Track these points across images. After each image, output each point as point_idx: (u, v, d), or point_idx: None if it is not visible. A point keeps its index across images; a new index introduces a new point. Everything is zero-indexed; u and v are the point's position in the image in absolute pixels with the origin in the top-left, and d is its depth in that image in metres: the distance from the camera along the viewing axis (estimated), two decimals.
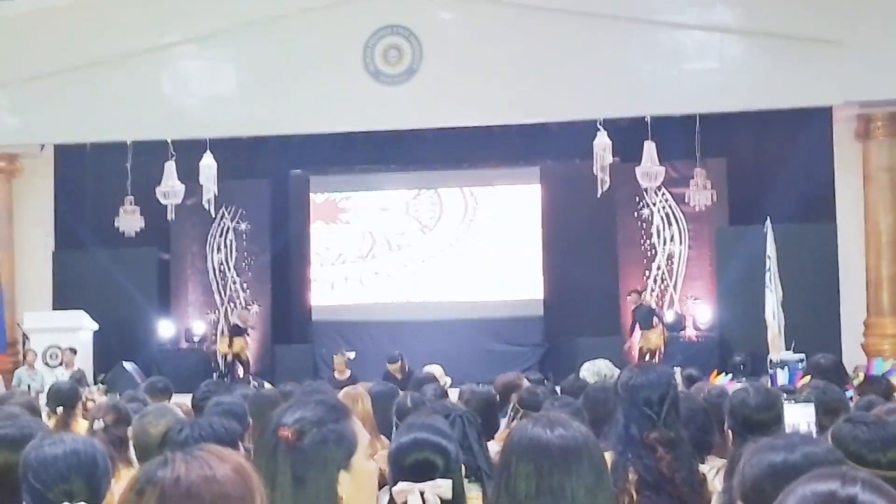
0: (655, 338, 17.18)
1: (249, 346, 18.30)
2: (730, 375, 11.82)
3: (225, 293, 19.45)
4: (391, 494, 3.04)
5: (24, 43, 17.65)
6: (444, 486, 3.00)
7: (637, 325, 17.40)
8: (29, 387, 14.55)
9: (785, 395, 4.35)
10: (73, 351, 15.83)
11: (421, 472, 3.03)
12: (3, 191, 18.74)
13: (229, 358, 18.01)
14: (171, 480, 1.92)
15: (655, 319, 17.36)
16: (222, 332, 18.84)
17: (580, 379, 7.29)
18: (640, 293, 17.70)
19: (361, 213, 20.01)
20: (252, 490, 1.99)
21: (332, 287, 19.97)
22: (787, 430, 3.97)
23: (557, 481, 2.68)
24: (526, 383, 7.09)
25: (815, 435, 3.92)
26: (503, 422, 6.17)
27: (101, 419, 5.60)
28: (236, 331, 18.17)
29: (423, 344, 17.18)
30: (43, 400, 8.00)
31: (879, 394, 6.20)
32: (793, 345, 13.82)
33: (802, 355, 11.81)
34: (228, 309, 19.38)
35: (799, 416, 4.03)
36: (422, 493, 2.98)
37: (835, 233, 16.93)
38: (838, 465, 2.55)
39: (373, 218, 19.96)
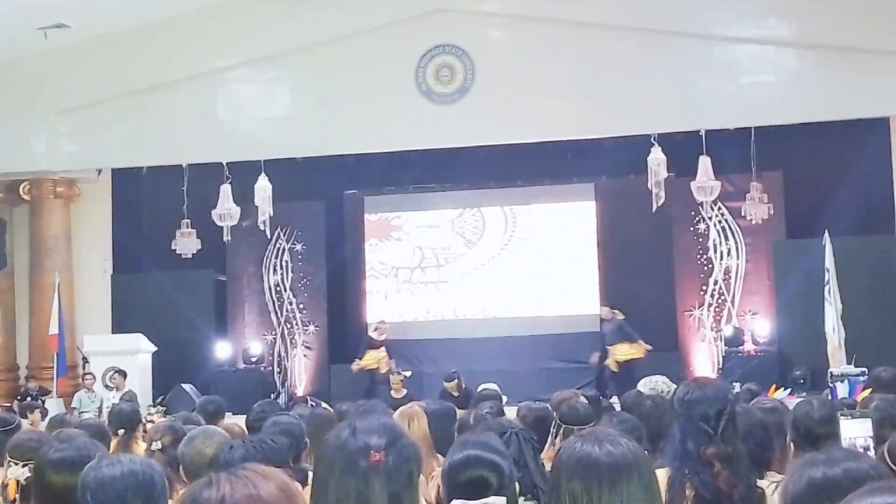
0: (625, 350, 16.96)
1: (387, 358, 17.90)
2: (788, 390, 11.73)
3: (281, 314, 19.54)
4: None
5: (81, 70, 17.92)
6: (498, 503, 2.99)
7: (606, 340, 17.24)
8: (100, 408, 14.74)
9: (842, 411, 4.29)
10: (123, 374, 15.90)
11: (475, 490, 3.03)
12: (62, 216, 18.95)
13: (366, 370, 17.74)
14: (217, 500, 1.93)
15: (626, 335, 17.10)
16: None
17: (641, 394, 7.24)
18: (612, 308, 17.51)
19: (415, 230, 20.02)
20: None
21: (385, 298, 19.94)
22: (844, 444, 3.91)
23: (607, 499, 2.66)
24: (583, 400, 7.04)
25: (872, 450, 3.86)
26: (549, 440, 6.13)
27: (158, 440, 5.65)
28: (371, 343, 18.00)
29: (480, 362, 17.19)
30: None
31: None
32: (854, 358, 13.69)
33: (864, 369, 11.70)
34: (285, 329, 19.46)
35: (856, 431, 3.97)
36: None
37: (894, 245, 16.71)
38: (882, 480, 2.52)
39: (427, 235, 19.96)
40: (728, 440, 3.91)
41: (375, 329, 17.95)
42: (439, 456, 5.76)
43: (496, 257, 19.72)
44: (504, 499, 3.01)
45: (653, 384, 7.65)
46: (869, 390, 6.72)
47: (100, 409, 15.11)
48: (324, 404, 11.93)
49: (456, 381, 14.35)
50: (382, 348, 17.73)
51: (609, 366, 16.96)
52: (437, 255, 19.90)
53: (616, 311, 17.43)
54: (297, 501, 2.01)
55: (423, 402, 8.11)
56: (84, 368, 17.42)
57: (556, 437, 5.73)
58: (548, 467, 4.33)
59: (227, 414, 8.43)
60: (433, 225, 20.02)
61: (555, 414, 6.11)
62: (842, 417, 4.08)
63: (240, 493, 1.94)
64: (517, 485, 3.21)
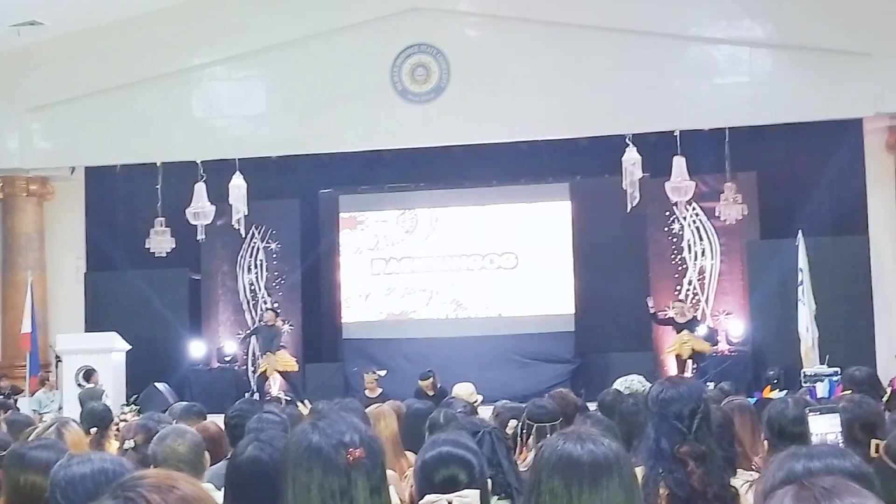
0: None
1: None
2: (785, 391, 11.74)
3: (255, 313, 19.47)
4: None
5: (54, 67, 17.84)
6: (471, 496, 3.00)
7: None
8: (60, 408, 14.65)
9: (809, 407, 4.30)
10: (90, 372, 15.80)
11: (447, 487, 3.03)
12: (35, 214, 18.88)
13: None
14: None
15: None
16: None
17: (620, 393, 7.24)
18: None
19: (389, 230, 19.99)
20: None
21: (364, 299, 19.93)
22: (814, 440, 3.92)
23: (588, 498, 2.64)
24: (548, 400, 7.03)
25: (841, 446, 3.87)
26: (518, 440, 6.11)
27: (131, 439, 5.63)
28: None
29: (454, 361, 17.17)
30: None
31: None
32: (827, 358, 13.75)
33: (837, 369, 11.74)
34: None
35: (825, 427, 3.98)
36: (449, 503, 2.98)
37: (867, 245, 16.80)
38: (865, 478, 2.54)
39: (401, 235, 19.94)
40: (702, 439, 3.91)
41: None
42: (409, 455, 5.75)
43: (470, 256, 19.71)
44: (477, 492, 3.01)
45: (628, 383, 7.67)
46: (849, 391, 6.73)
47: (60, 409, 15.06)
48: (302, 403, 11.96)
49: (431, 379, 14.34)
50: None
51: (681, 353, 16.97)
52: (417, 257, 19.86)
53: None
54: (209, 496, 2.02)
55: (400, 401, 8.11)
56: (57, 367, 17.34)
57: (527, 437, 5.73)
58: (520, 467, 4.35)
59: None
60: (413, 224, 19.95)
61: (522, 416, 6.11)
62: (810, 413, 4.09)
63: (171, 498, 1.92)
64: (489, 483, 3.20)
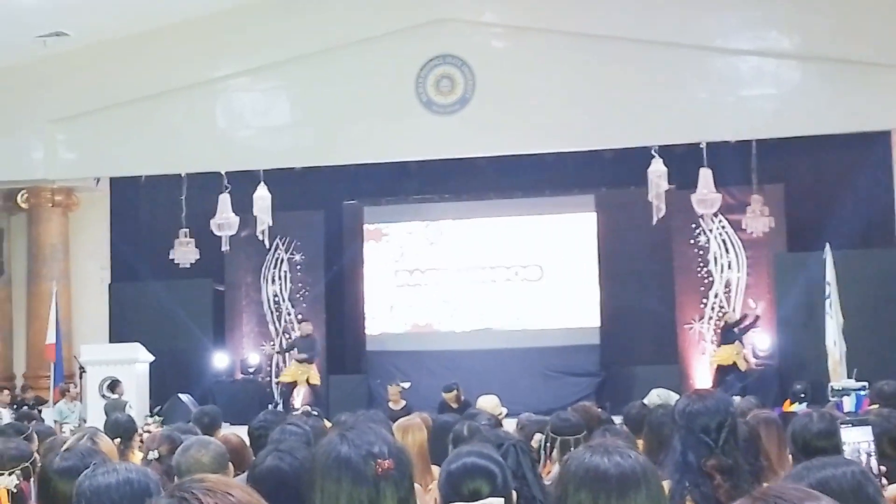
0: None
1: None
2: (804, 403, 11.67)
3: (279, 324, 19.49)
4: None
5: (79, 78, 17.93)
6: None
7: None
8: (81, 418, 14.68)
9: (842, 420, 4.26)
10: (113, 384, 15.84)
11: (471, 498, 3.03)
12: (60, 224, 18.94)
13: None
14: None
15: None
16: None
17: (646, 406, 7.17)
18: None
19: (414, 241, 19.98)
20: None
21: (388, 311, 19.94)
22: (847, 450, 3.88)
23: None
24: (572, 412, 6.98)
25: (874, 458, 3.84)
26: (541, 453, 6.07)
27: (155, 450, 5.63)
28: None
29: (479, 373, 17.11)
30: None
31: None
32: (854, 372, 13.63)
33: (865, 383, 11.65)
34: (283, 340, 19.40)
35: (857, 437, 3.94)
36: None
37: (895, 258, 16.67)
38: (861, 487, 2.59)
39: (426, 247, 19.93)
40: (729, 452, 3.87)
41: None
42: (434, 469, 5.70)
43: (495, 268, 19.68)
44: (502, 499, 3.00)
45: (665, 394, 7.59)
46: (876, 406, 6.66)
47: (84, 421, 15.08)
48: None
49: (455, 392, 14.28)
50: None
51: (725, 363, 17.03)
52: (442, 269, 19.85)
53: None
54: (262, 502, 2.03)
55: (425, 413, 8.07)
56: (82, 378, 17.38)
57: (551, 450, 5.69)
58: (544, 480, 4.30)
59: (225, 424, 8.37)
60: (438, 236, 19.95)
61: (546, 428, 6.06)
62: (842, 426, 4.05)
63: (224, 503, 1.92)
64: (515, 495, 3.17)
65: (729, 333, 17.19)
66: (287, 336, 19.35)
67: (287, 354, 18.67)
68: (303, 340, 18.04)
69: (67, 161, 18.43)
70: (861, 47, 15.91)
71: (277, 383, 18.58)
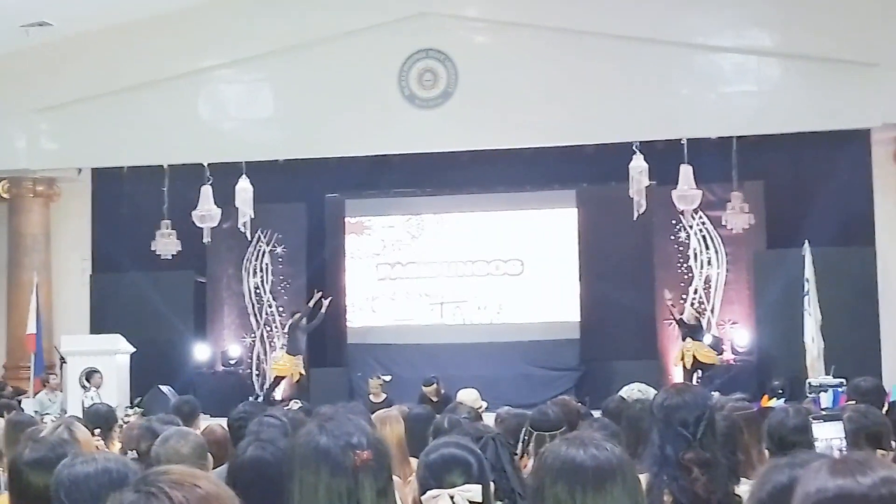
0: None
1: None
2: (782, 399, 11.75)
3: (261, 316, 19.47)
4: None
5: (62, 68, 17.86)
6: (473, 491, 3.00)
7: None
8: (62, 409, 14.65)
9: (813, 415, 4.32)
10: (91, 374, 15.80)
11: (448, 488, 3.03)
12: (41, 215, 18.89)
13: None
14: None
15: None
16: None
17: (625, 400, 7.21)
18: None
19: (395, 235, 20.00)
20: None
21: (370, 304, 19.97)
22: (818, 447, 3.93)
23: (591, 503, 2.65)
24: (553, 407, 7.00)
25: (845, 453, 3.88)
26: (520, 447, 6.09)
27: (134, 440, 5.64)
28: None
29: (459, 367, 17.12)
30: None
31: None
32: (832, 369, 13.72)
33: (842, 380, 11.72)
34: (265, 332, 19.40)
35: (829, 433, 3.99)
36: (451, 498, 2.98)
37: (874, 256, 16.78)
38: None
39: (408, 240, 19.94)
40: (707, 446, 3.89)
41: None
42: (412, 460, 5.74)
43: (476, 262, 19.71)
44: (479, 486, 3.02)
45: (628, 392, 7.62)
46: (853, 402, 6.71)
47: (64, 411, 15.06)
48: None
49: (435, 385, 14.32)
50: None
51: (685, 362, 17.01)
52: (423, 262, 19.87)
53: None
54: (230, 493, 2.00)
55: (403, 405, 8.10)
56: (62, 369, 17.33)
57: (528, 443, 5.71)
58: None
59: (206, 416, 8.37)
60: (420, 230, 19.97)
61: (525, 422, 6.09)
62: (814, 421, 4.10)
63: (192, 496, 1.90)
64: (493, 486, 3.20)
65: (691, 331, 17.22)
66: (268, 329, 19.36)
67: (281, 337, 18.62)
68: (295, 329, 17.97)
69: (49, 151, 18.37)
70: (842, 46, 15.99)
71: (274, 378, 18.32)
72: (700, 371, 16.77)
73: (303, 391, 17.35)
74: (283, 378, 17.89)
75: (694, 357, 16.84)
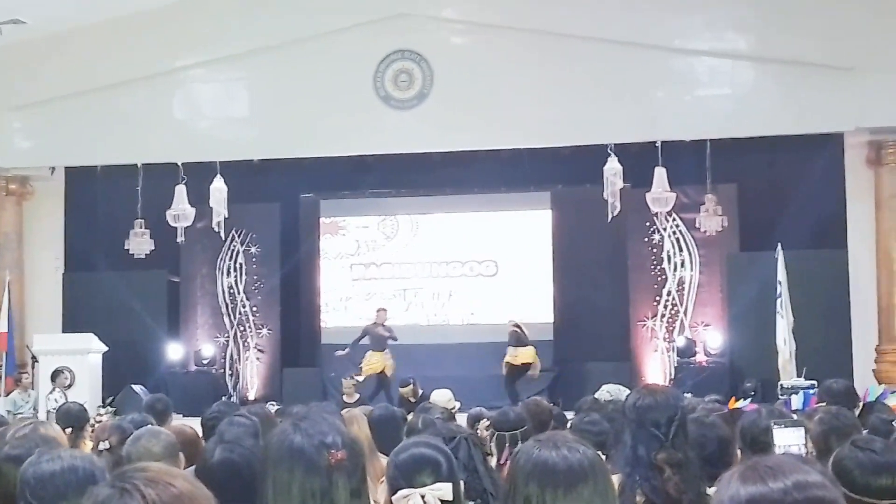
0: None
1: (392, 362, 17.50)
2: (748, 400, 11.76)
3: (234, 316, 19.42)
4: None
5: (36, 66, 17.78)
6: (444, 489, 3.00)
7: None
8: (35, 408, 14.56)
9: (774, 420, 4.32)
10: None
11: (418, 487, 3.03)
12: (14, 213, 18.80)
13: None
14: None
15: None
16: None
17: (598, 401, 7.22)
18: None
19: (370, 235, 19.99)
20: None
21: (344, 304, 19.95)
22: (777, 452, 3.94)
23: (563, 503, 2.65)
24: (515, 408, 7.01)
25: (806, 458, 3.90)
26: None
27: (105, 440, 5.60)
28: (376, 341, 17.45)
29: (434, 368, 17.12)
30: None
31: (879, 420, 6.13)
32: (804, 371, 13.78)
33: (814, 382, 11.76)
34: (238, 332, 19.35)
35: (789, 440, 4.00)
36: (423, 497, 2.97)
37: (846, 259, 16.85)
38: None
39: (382, 241, 19.94)
40: (679, 446, 3.91)
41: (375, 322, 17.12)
42: (381, 457, 5.74)
43: (450, 263, 19.73)
44: (450, 484, 3.02)
45: (616, 390, 7.65)
46: (824, 403, 6.74)
47: (35, 411, 14.97)
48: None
49: (411, 386, 14.34)
50: (387, 351, 17.43)
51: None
52: (397, 263, 19.87)
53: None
54: (206, 492, 1.98)
55: (367, 407, 8.10)
56: (34, 368, 17.24)
57: (490, 442, 5.73)
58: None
59: (178, 415, 8.34)
60: (394, 231, 19.96)
61: (483, 422, 6.10)
62: (775, 426, 4.11)
63: (166, 494, 1.89)
64: (463, 485, 3.19)
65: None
66: (241, 329, 19.30)
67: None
68: (374, 328, 17.62)
69: (23, 149, 18.27)
70: (816, 50, 16.06)
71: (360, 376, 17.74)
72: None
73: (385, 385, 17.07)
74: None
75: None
